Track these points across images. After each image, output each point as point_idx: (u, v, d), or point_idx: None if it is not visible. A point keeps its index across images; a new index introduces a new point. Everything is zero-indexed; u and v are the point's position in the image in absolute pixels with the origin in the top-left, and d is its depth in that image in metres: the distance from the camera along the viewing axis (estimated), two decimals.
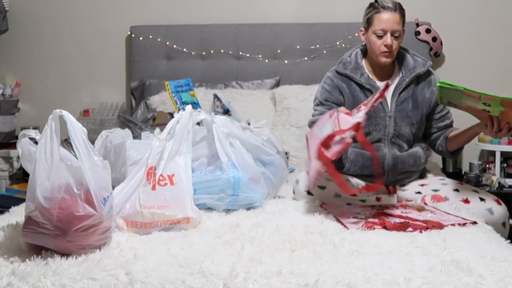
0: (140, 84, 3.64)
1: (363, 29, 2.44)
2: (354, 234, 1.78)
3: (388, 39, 2.33)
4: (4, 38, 3.85)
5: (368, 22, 2.39)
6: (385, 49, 2.35)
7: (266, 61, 3.64)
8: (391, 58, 2.39)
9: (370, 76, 2.45)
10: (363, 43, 2.50)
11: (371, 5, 2.40)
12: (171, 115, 2.83)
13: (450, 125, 2.48)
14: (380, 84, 2.45)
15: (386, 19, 2.33)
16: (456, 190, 2.28)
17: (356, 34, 2.54)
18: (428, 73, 2.47)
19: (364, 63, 2.50)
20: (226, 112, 3.09)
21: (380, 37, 2.35)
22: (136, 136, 2.59)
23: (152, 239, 1.73)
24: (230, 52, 3.66)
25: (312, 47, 3.61)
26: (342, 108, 2.17)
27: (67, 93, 3.88)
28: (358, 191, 2.18)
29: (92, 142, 1.73)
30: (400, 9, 2.36)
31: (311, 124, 2.52)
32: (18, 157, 2.84)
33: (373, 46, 2.38)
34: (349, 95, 2.45)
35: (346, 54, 2.55)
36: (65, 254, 1.54)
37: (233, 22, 3.69)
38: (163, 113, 3.14)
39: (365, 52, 2.53)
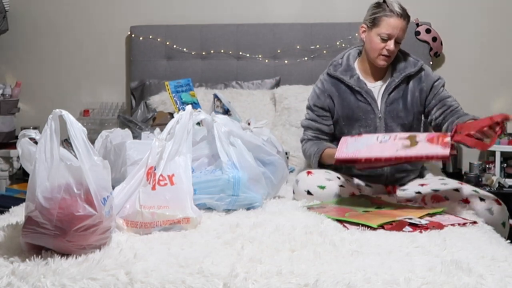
0: (140, 84, 3.64)
1: (365, 27, 2.43)
2: (354, 234, 1.78)
3: (391, 44, 2.34)
4: (4, 38, 3.84)
5: (374, 23, 2.37)
6: (386, 53, 2.36)
7: (266, 61, 3.64)
8: (388, 62, 2.41)
9: (361, 77, 2.46)
10: (360, 42, 2.50)
11: (379, 5, 2.38)
12: (171, 115, 2.83)
13: (455, 109, 2.40)
14: (371, 86, 2.46)
15: (395, 25, 2.33)
16: (456, 190, 2.28)
17: (356, 34, 2.54)
18: (419, 72, 2.47)
19: (356, 64, 2.50)
20: (226, 112, 3.09)
21: (384, 40, 2.35)
22: (136, 136, 2.59)
23: (152, 239, 1.73)
24: (230, 52, 3.66)
25: (312, 47, 3.61)
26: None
27: (67, 93, 3.88)
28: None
29: (92, 142, 1.73)
30: (407, 16, 2.37)
31: (304, 125, 2.54)
32: (18, 157, 2.84)
33: (374, 47, 2.38)
34: (338, 98, 2.47)
35: (339, 55, 2.55)
36: (65, 254, 1.54)
37: (233, 22, 3.69)
38: (163, 113, 3.14)
39: (359, 53, 2.53)
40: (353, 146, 2.08)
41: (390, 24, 2.33)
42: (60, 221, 1.51)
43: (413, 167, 2.46)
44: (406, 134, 2.06)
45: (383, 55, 2.37)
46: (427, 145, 1.97)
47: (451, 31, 3.63)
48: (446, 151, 1.92)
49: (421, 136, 2.04)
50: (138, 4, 3.81)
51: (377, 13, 2.36)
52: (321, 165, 2.46)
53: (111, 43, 3.84)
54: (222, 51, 3.66)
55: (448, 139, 1.97)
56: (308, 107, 2.55)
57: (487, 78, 3.64)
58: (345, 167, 2.44)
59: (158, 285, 1.41)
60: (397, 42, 2.37)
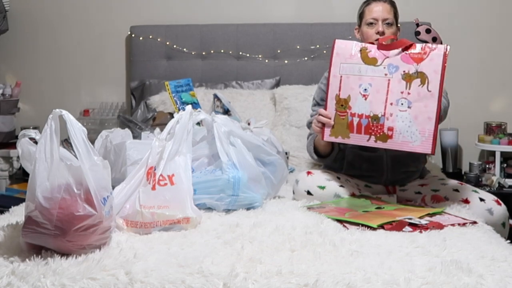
0: (140, 84, 3.64)
1: (357, 27, 2.52)
2: (354, 234, 1.78)
3: (379, 26, 2.39)
4: (4, 38, 3.85)
5: (360, 17, 2.47)
6: (378, 37, 2.38)
7: (266, 61, 3.64)
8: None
9: None
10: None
11: (362, 3, 2.50)
12: (171, 115, 2.83)
13: None
14: None
15: (375, 8, 2.43)
16: (456, 190, 2.28)
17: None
18: None
19: None
20: (226, 112, 3.09)
21: (372, 25, 2.42)
22: (136, 136, 2.59)
23: (152, 239, 1.73)
24: (230, 52, 3.66)
25: (312, 47, 3.61)
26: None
27: (67, 93, 3.88)
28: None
29: (92, 142, 1.73)
30: (389, 0, 2.45)
31: (309, 125, 2.53)
32: (18, 157, 2.84)
33: (367, 37, 2.43)
34: None
35: None
36: (65, 254, 1.54)
37: (233, 22, 3.69)
38: (163, 113, 3.14)
39: None
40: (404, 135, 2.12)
41: (371, 10, 2.43)
42: (60, 221, 1.51)
43: (414, 168, 2.45)
44: (402, 85, 2.19)
45: (376, 40, 2.39)
46: (428, 63, 2.28)
47: (451, 31, 3.63)
48: (441, 48, 2.29)
49: (410, 67, 2.24)
50: (138, 4, 3.81)
51: (360, 8, 2.49)
52: (320, 156, 2.46)
53: (111, 43, 3.84)
54: (222, 51, 3.66)
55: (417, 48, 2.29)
56: (315, 104, 2.54)
57: (487, 78, 3.64)
58: (345, 167, 2.44)
59: (158, 285, 1.41)
60: (387, 24, 2.41)
